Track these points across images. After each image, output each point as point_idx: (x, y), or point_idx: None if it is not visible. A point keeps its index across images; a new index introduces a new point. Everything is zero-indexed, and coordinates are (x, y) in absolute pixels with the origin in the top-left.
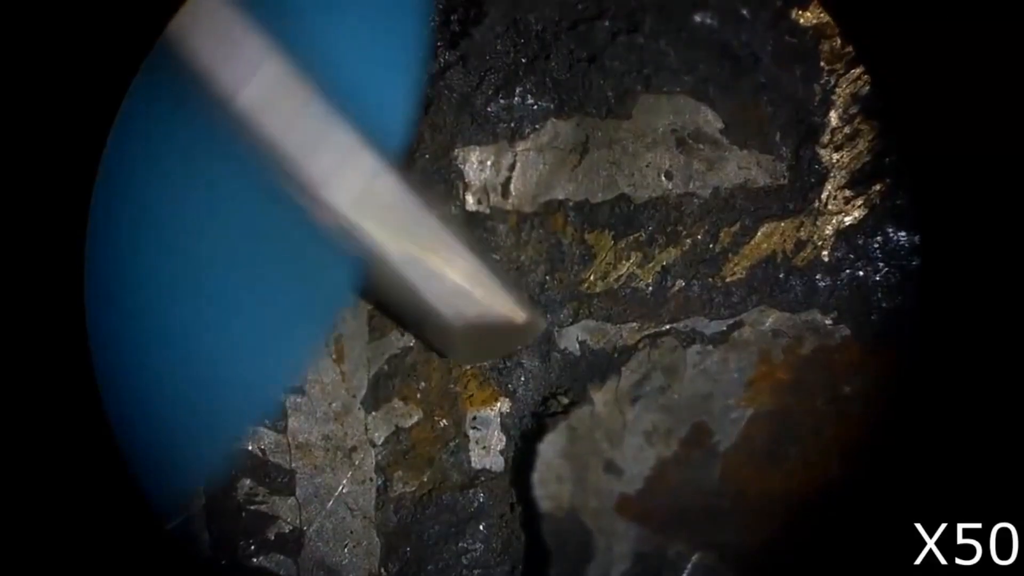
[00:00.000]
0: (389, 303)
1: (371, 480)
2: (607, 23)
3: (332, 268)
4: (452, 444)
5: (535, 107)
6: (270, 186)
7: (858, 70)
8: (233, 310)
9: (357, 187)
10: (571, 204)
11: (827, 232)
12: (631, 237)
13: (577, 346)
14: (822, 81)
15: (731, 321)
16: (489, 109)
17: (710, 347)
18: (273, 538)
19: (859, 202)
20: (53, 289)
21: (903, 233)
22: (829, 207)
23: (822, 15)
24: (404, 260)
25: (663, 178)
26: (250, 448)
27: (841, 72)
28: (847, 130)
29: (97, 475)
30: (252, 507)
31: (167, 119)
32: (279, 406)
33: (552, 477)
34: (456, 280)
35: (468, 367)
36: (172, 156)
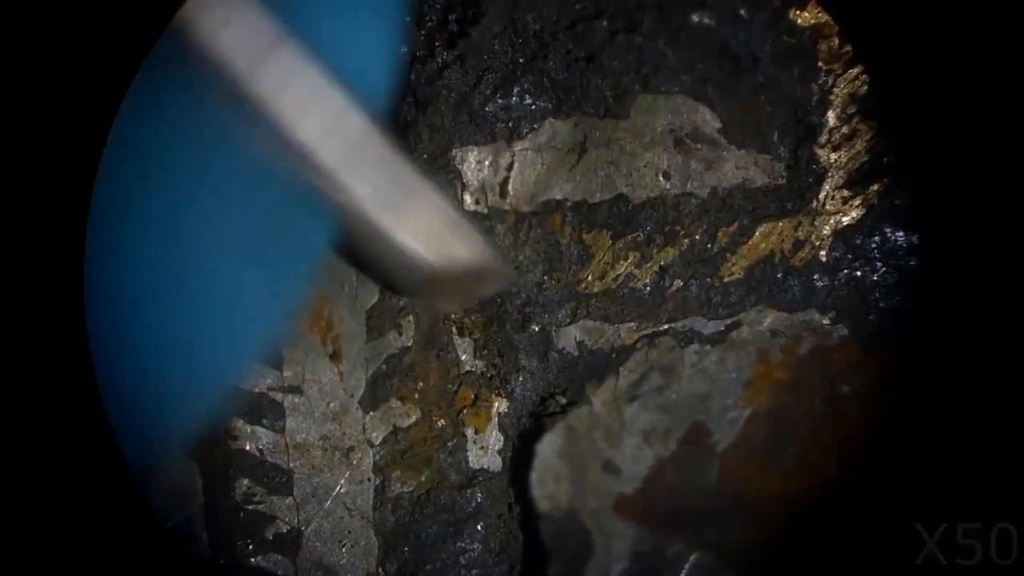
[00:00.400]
0: (362, 251)
1: (369, 480)
2: (605, 23)
3: (310, 224)
4: (450, 444)
5: (533, 107)
6: (255, 145)
7: (856, 70)
8: (217, 265)
9: (340, 141)
10: (569, 204)
11: (825, 232)
12: (629, 237)
13: (575, 346)
14: (820, 81)
15: (729, 321)
16: (487, 109)
17: (708, 347)
18: (271, 538)
19: (857, 202)
20: (50, 263)
21: (901, 233)
22: (827, 207)
23: (820, 15)
24: (377, 205)
25: (661, 178)
26: (247, 448)
27: (839, 72)
28: (845, 130)
29: (97, 475)
30: (250, 507)
31: (166, 91)
32: (253, 366)
33: (550, 477)
34: (427, 224)
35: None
36: (168, 128)
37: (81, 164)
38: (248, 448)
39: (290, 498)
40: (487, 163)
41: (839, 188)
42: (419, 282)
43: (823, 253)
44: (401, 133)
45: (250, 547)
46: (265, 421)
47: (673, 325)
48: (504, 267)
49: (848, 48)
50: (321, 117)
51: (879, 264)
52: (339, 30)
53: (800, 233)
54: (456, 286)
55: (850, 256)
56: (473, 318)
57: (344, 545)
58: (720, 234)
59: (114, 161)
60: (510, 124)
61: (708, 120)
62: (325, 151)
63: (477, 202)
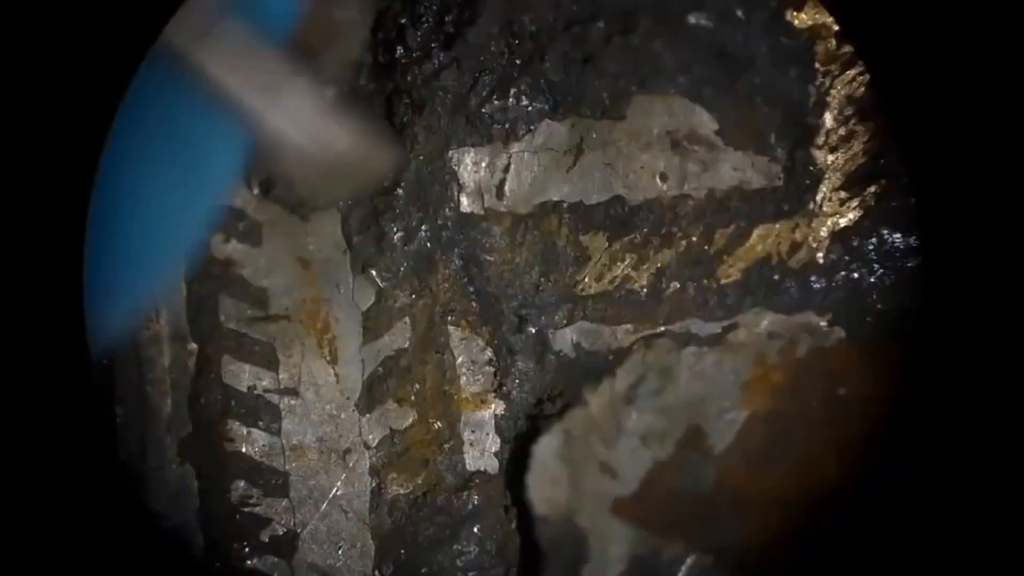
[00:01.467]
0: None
1: (366, 482)
2: (602, 24)
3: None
4: (447, 446)
5: (529, 108)
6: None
7: (853, 71)
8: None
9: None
10: (566, 206)
11: (822, 234)
12: (626, 239)
13: (572, 348)
14: (817, 83)
15: (726, 323)
16: (483, 111)
17: (705, 349)
18: (267, 540)
19: (854, 204)
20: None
21: (898, 235)
22: (824, 209)
23: (817, 16)
24: (249, 98)
25: (658, 180)
26: (243, 450)
27: (836, 74)
28: (842, 132)
29: (93, 477)
30: (246, 509)
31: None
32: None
33: (547, 479)
34: (299, 111)
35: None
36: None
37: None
38: (244, 450)
39: (286, 500)
40: (484, 165)
41: (836, 190)
42: (310, 175)
43: (820, 255)
44: (397, 133)
45: (246, 550)
46: (261, 423)
47: (670, 327)
48: (389, 148)
49: (845, 50)
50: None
51: (877, 266)
52: None
53: (797, 235)
54: (344, 172)
55: (847, 258)
56: (470, 319)
57: (340, 547)
58: (717, 236)
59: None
60: (507, 126)
61: (705, 122)
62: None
63: (474, 204)
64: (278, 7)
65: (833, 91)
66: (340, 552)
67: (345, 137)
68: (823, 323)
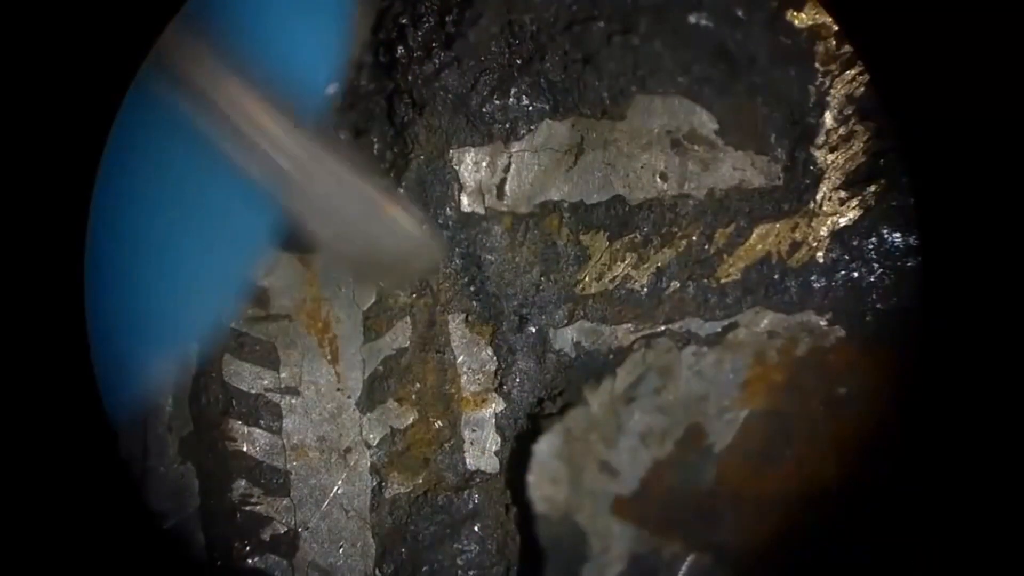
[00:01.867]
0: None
1: (366, 481)
2: (602, 24)
3: (253, 215)
4: (447, 445)
5: (530, 108)
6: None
7: (853, 71)
8: (174, 249)
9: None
10: (566, 205)
11: (822, 233)
12: (626, 238)
13: (572, 347)
14: (817, 82)
15: (726, 322)
16: (484, 110)
17: (705, 348)
18: (268, 539)
19: (854, 203)
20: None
21: (898, 234)
22: (824, 208)
23: (817, 16)
24: (313, 195)
25: (658, 179)
26: (244, 449)
27: (836, 73)
28: (842, 131)
29: (95, 476)
30: (247, 508)
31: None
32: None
33: (547, 478)
34: (344, 209)
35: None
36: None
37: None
38: (245, 449)
39: (287, 499)
40: (484, 164)
41: (836, 189)
42: (350, 263)
43: (820, 254)
44: (398, 133)
45: (247, 548)
46: (262, 422)
47: (670, 326)
48: (431, 248)
49: (845, 49)
50: (269, 130)
51: (876, 265)
52: (286, 37)
53: (797, 234)
54: (383, 268)
55: (847, 257)
56: (471, 319)
57: (341, 546)
58: (717, 235)
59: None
60: (507, 125)
61: (705, 121)
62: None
63: (474, 203)
64: (313, 87)
65: (833, 91)
66: (341, 551)
67: (387, 235)
68: (823, 322)
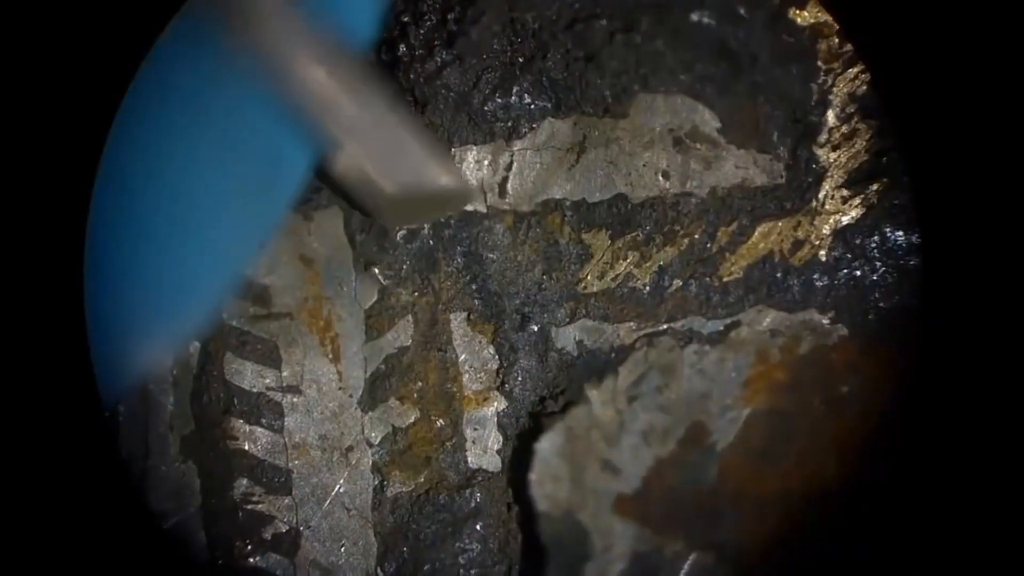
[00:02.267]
0: (331, 175)
1: (368, 480)
2: (604, 22)
3: (291, 148)
4: (449, 444)
5: (532, 106)
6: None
7: (856, 69)
8: (201, 193)
9: (323, 70)
10: (568, 203)
11: (824, 231)
12: (628, 236)
13: (574, 346)
14: (819, 80)
15: (728, 321)
16: (486, 108)
17: (707, 347)
18: (269, 538)
19: (856, 201)
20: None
21: (900, 232)
22: (826, 206)
23: (819, 14)
24: (345, 130)
25: (660, 177)
26: (246, 448)
27: (838, 71)
28: (844, 129)
29: (96, 476)
30: (248, 507)
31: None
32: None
33: (549, 477)
34: (390, 150)
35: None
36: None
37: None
38: (247, 448)
39: (289, 498)
40: (486, 162)
41: (839, 187)
42: (380, 203)
43: (822, 253)
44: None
45: (248, 547)
46: (264, 421)
47: (672, 325)
48: (464, 189)
49: (847, 47)
50: (308, 48)
51: (879, 263)
52: None
53: (800, 233)
54: (416, 207)
55: (850, 256)
56: (472, 317)
57: (343, 545)
58: (719, 234)
59: (125, 112)
60: (509, 124)
61: (707, 120)
62: (309, 78)
63: (476, 202)
64: (358, 16)
65: (835, 89)
66: (342, 550)
67: (428, 178)
68: (825, 321)
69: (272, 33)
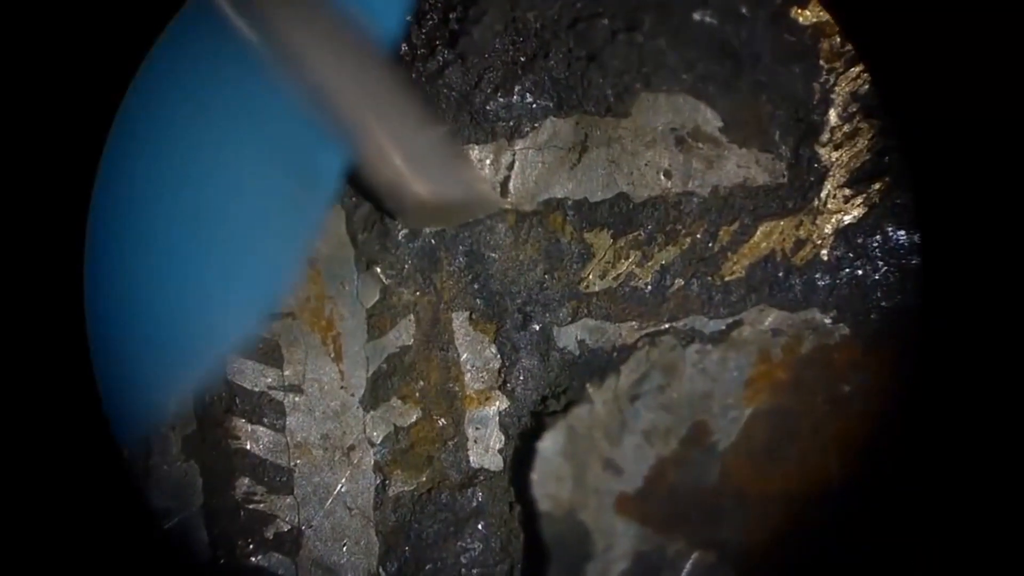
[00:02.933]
0: (363, 177)
1: (370, 479)
2: (606, 21)
3: (323, 157)
4: (451, 443)
5: (534, 105)
6: (271, 77)
7: (858, 68)
8: (231, 205)
9: (354, 75)
10: (570, 203)
11: (827, 231)
12: (630, 236)
13: (576, 345)
14: (822, 79)
15: (730, 320)
16: (488, 108)
17: (709, 346)
18: (271, 537)
19: (859, 201)
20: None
21: (903, 232)
22: (829, 206)
23: (821, 13)
24: (380, 134)
25: (662, 177)
26: (248, 447)
27: (841, 70)
28: (847, 128)
29: (97, 475)
30: (250, 506)
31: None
32: (255, 332)
33: (551, 476)
34: (422, 155)
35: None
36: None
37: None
38: (248, 447)
39: (290, 497)
40: (488, 162)
41: (841, 187)
42: (408, 206)
43: (825, 252)
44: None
45: (250, 546)
46: (266, 420)
47: (674, 324)
48: (491, 197)
49: (850, 46)
50: (337, 51)
51: (881, 263)
52: None
53: (802, 232)
54: (443, 212)
55: (852, 255)
56: (474, 316)
57: (344, 544)
58: (721, 233)
59: (125, 115)
60: (511, 123)
61: (709, 119)
62: (340, 84)
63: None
64: (387, 15)
65: (837, 88)
66: (344, 549)
67: (456, 186)
68: (827, 320)
69: (300, 33)
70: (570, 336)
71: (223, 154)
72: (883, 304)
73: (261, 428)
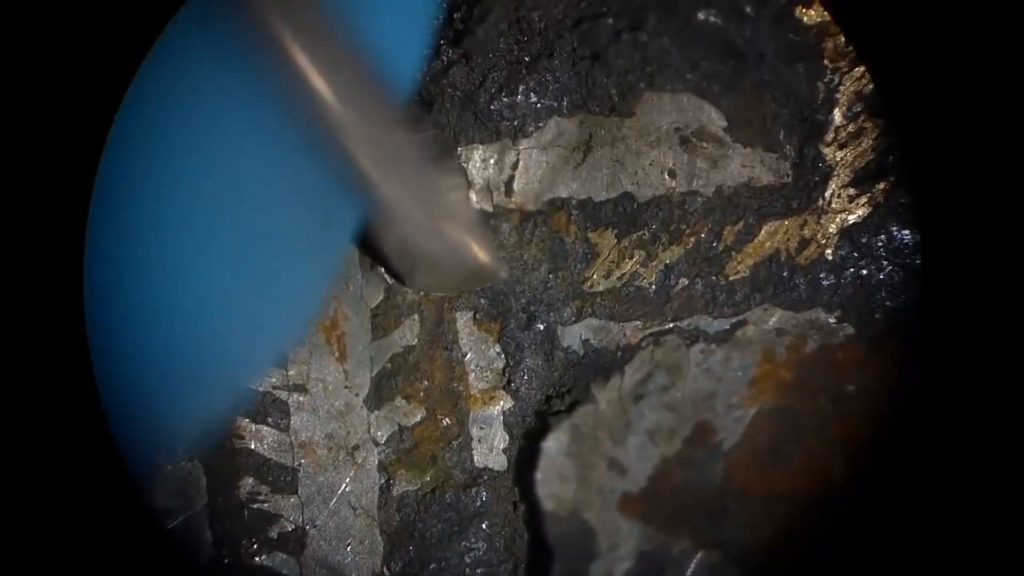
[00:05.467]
0: (373, 238)
1: (374, 479)
2: (610, 21)
3: (339, 211)
4: (455, 443)
5: (538, 105)
6: (285, 133)
7: (862, 68)
8: (240, 260)
9: (373, 132)
10: (574, 202)
11: (831, 230)
12: (634, 235)
13: (580, 345)
14: (826, 79)
15: (734, 320)
16: (492, 107)
17: (713, 346)
18: (276, 537)
19: (863, 200)
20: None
21: (907, 231)
22: (833, 205)
23: (826, 13)
24: (394, 198)
25: (666, 176)
26: (252, 447)
27: (845, 70)
28: (851, 128)
29: (97, 475)
30: (255, 506)
31: (198, 64)
32: (268, 368)
33: (555, 476)
34: (434, 218)
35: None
36: (196, 100)
37: (82, 154)
38: (253, 447)
39: (295, 497)
40: (492, 161)
41: (845, 186)
42: (415, 269)
43: (829, 251)
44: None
45: (254, 546)
46: (270, 420)
47: (678, 324)
48: (497, 263)
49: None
50: (359, 104)
51: (885, 262)
52: (376, 24)
53: (806, 231)
54: (447, 278)
55: (856, 254)
56: (479, 316)
57: (349, 544)
58: (726, 232)
59: (117, 148)
60: (515, 122)
61: (713, 118)
62: (359, 140)
63: (483, 201)
64: (403, 65)
65: (842, 87)
66: (348, 548)
67: (467, 251)
68: (832, 320)
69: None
70: (574, 336)
71: (228, 161)
72: (887, 304)
73: (265, 428)
